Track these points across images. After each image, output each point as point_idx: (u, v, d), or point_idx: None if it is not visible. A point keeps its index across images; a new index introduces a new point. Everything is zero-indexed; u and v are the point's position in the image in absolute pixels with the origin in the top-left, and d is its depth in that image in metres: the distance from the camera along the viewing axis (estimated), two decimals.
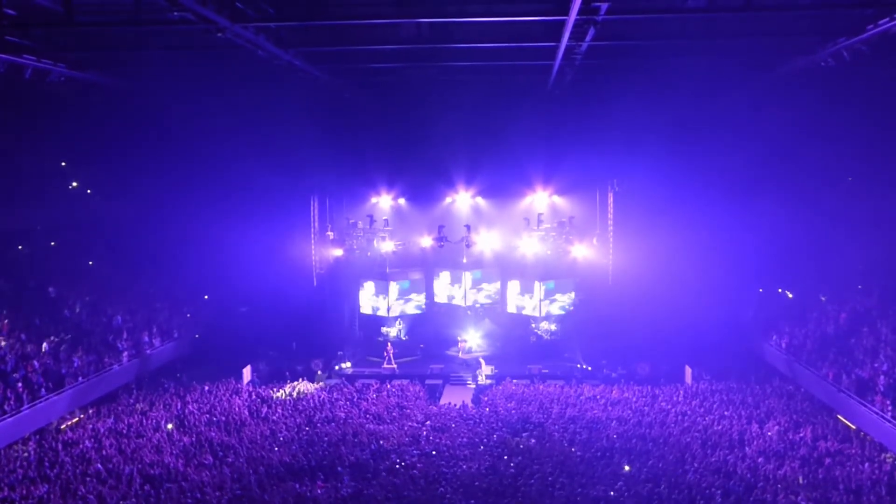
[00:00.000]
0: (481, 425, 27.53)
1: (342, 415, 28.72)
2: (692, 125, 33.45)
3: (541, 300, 38.78)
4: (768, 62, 28.47)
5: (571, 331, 39.32)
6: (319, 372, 36.14)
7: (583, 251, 38.22)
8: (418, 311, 41.01)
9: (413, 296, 40.83)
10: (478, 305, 40.99)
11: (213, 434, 26.23)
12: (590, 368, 36.16)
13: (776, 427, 26.14)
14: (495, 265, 40.79)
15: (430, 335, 40.81)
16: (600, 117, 32.76)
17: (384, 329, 40.32)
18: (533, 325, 39.59)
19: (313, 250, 39.77)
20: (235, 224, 38.10)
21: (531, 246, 38.51)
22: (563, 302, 39.31)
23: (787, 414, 27.78)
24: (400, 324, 40.55)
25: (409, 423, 27.81)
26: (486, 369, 36.15)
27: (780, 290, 38.66)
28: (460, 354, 38.25)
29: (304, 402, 30.62)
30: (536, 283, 38.72)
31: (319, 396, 31.77)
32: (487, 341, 40.38)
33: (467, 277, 40.53)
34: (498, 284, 41.02)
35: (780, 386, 31.61)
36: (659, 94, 29.77)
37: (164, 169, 37.33)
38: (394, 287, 39.88)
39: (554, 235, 38.26)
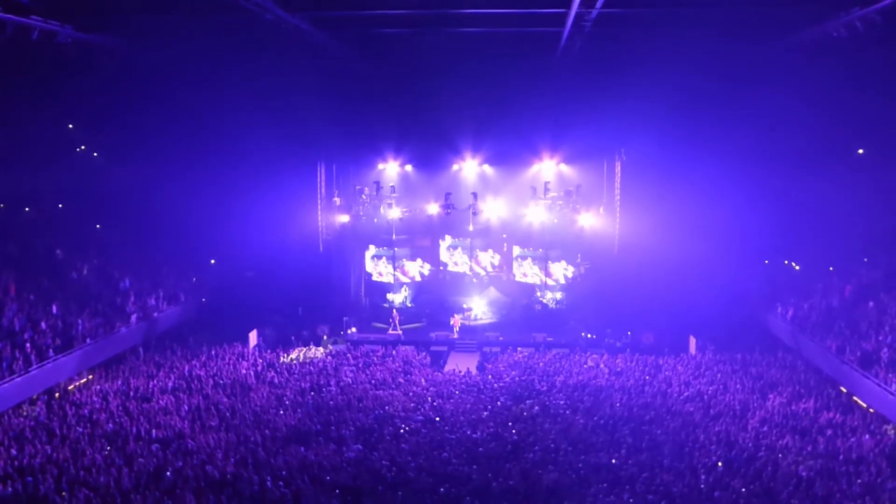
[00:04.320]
0: (485, 392, 27.57)
1: (347, 380, 28.77)
2: (701, 96, 32.93)
3: (546, 268, 38.85)
4: (780, 32, 27.88)
5: (577, 300, 39.36)
6: (325, 337, 36.30)
7: (589, 220, 38.00)
8: (423, 278, 41.17)
9: (419, 262, 41.00)
10: (483, 274, 41.04)
11: (220, 397, 26.35)
12: (594, 337, 36.20)
13: (779, 398, 26.10)
14: (501, 233, 40.73)
15: (436, 302, 40.88)
16: (609, 86, 32.21)
17: (389, 295, 40.38)
18: (538, 294, 39.56)
19: (320, 216, 39.64)
20: (242, 190, 38.12)
21: (538, 214, 38.35)
22: (568, 271, 39.30)
23: (791, 385, 27.73)
24: (406, 290, 40.60)
25: (414, 389, 27.87)
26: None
27: (786, 262, 38.47)
28: (455, 330, 38.07)
29: (309, 367, 30.72)
30: (542, 252, 38.75)
31: (325, 361, 31.90)
32: (492, 309, 40.44)
33: (476, 246, 40.84)
34: (501, 252, 41.10)
35: (783, 357, 31.55)
36: (668, 65, 29.22)
37: (172, 135, 37.12)
38: (400, 254, 40.09)
39: (560, 204, 38.05)
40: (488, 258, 41.18)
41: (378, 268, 40.60)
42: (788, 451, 21.39)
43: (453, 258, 41.34)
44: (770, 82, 32.06)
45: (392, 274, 40.28)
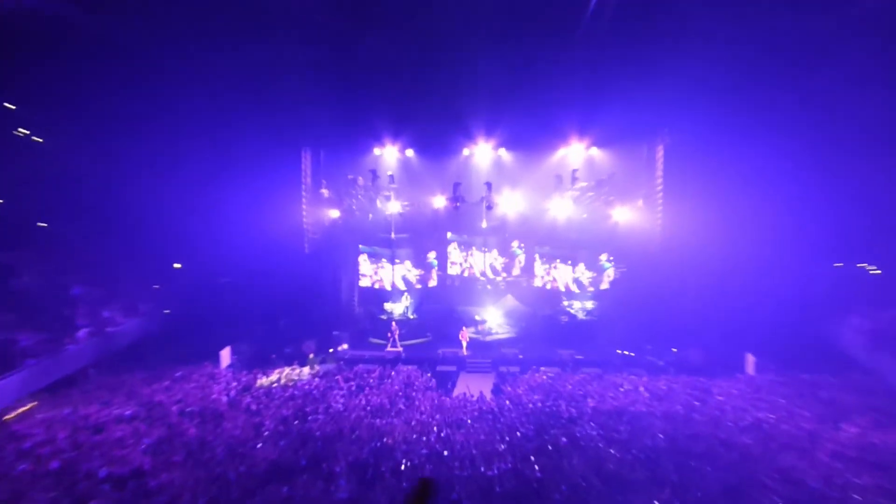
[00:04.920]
0: (502, 420, 27.31)
1: (338, 406, 28.58)
2: (757, 71, 32.72)
3: (574, 272, 38.81)
4: (845, 1, 27.69)
5: (610, 310, 39.16)
6: (312, 355, 36.14)
7: (626, 215, 37.78)
8: (433, 285, 41.30)
9: (432, 261, 41.44)
10: (499, 280, 40.94)
11: (187, 427, 26.15)
12: (632, 355, 36.00)
13: (854, 428, 25.72)
14: (517, 230, 40.64)
15: (443, 313, 40.78)
16: (650, 58, 32.02)
17: (388, 305, 40.27)
18: (565, 303, 39.35)
19: (305, 212, 39.59)
20: (214, 182, 38.01)
21: (564, 208, 38.12)
22: (604, 275, 39.22)
23: (868, 412, 27.34)
24: (407, 299, 40.46)
25: (417, 417, 27.63)
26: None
27: (861, 266, 38.07)
28: (463, 346, 38.06)
29: (293, 391, 30.53)
30: (569, 253, 38.85)
31: (311, 384, 31.70)
32: (510, 321, 40.27)
33: (490, 245, 40.78)
34: (523, 255, 41.06)
35: (859, 379, 31.15)
36: (719, 35, 29.05)
37: (132, 119, 36.87)
38: (401, 255, 40.15)
39: (591, 196, 37.89)
40: (501, 261, 41.20)
41: (374, 272, 40.47)
42: (866, 491, 21.05)
43: (467, 261, 41.30)
44: (835, 58, 31.70)
45: (391, 280, 40.18)
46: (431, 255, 41.51)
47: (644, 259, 38.31)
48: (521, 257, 41.62)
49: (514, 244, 41.58)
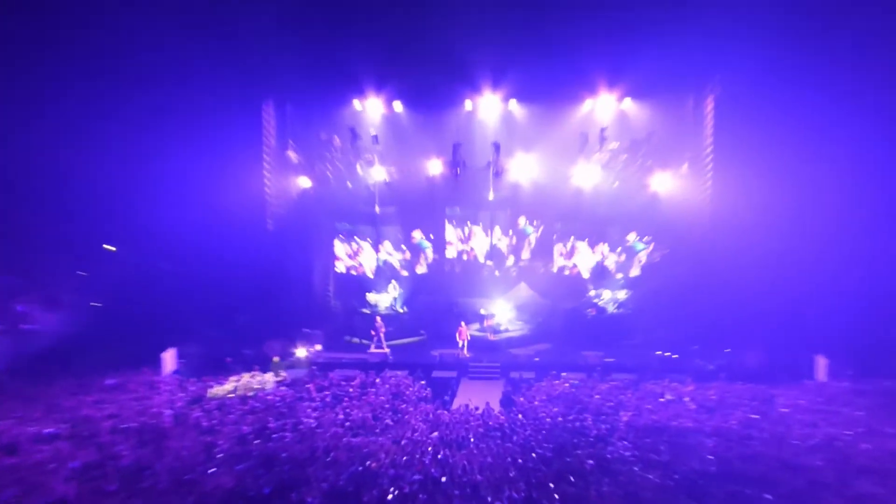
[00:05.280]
0: (514, 439, 27.29)
1: (310, 422, 28.55)
2: (834, 7, 32.60)
3: (603, 256, 38.80)
4: None
5: (648, 301, 39.26)
6: (277, 359, 36.13)
7: (667, 184, 37.73)
8: (421, 271, 41.27)
9: (425, 244, 41.63)
10: (510, 264, 41.02)
11: (121, 448, 26.15)
12: (675, 357, 36.10)
13: None
14: (537, 204, 40.67)
15: (440, 307, 40.91)
16: None
17: (371, 297, 40.32)
18: (592, 293, 39.40)
19: (268, 181, 39.59)
20: (156, 146, 37.60)
21: (590, 176, 38.05)
22: (635, 259, 39.23)
23: None
24: (395, 289, 40.47)
25: (408, 435, 27.63)
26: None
27: None
28: (462, 347, 38.18)
29: (253, 403, 30.49)
30: (597, 232, 38.95)
31: (276, 394, 31.73)
32: (523, 316, 40.33)
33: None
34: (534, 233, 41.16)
35: None
36: None
37: (54, 70, 36.57)
38: (387, 235, 40.25)
39: (624, 160, 37.84)
40: (506, 241, 41.42)
41: (353, 255, 40.50)
42: None
43: (468, 242, 41.36)
44: None
45: (373, 265, 40.21)
46: (418, 235, 41.46)
47: (690, 239, 38.30)
48: (532, 237, 41.64)
49: (522, 220, 41.57)
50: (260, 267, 38.66)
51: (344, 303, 41.24)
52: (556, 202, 40.00)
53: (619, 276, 39.49)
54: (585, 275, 39.76)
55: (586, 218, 39.46)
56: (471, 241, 41.50)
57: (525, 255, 41.71)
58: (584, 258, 39.86)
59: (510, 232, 42.16)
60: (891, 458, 25.38)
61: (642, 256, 39.80)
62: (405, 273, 41.31)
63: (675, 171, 38.02)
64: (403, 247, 42.33)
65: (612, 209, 38.56)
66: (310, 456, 25.47)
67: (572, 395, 31.95)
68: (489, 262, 41.32)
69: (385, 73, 38.54)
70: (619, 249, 40.54)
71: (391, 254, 41.33)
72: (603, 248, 39.84)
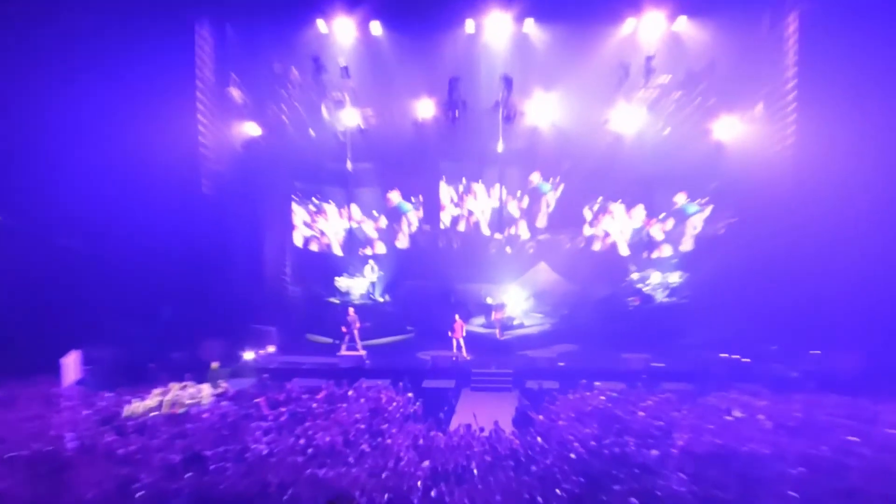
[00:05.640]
0: (532, 470, 27.27)
1: (260, 448, 28.54)
2: None
3: (646, 224, 38.83)
4: None
5: (710, 287, 39.31)
6: (216, 365, 36.15)
7: (734, 130, 37.70)
8: (402, 245, 41.38)
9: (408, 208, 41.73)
10: (525, 237, 41.04)
11: (9, 484, 26.10)
12: (746, 361, 36.15)
13: None
14: (561, 157, 40.78)
15: (433, 294, 41.16)
16: None
17: (342, 282, 40.38)
18: (634, 276, 39.44)
19: (203, 128, 39.33)
20: (51, 82, 37.40)
21: (632, 120, 38.04)
22: (687, 226, 39.23)
23: None
24: (373, 271, 40.47)
25: (392, 466, 27.61)
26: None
27: None
28: (457, 346, 38.33)
29: (185, 424, 30.49)
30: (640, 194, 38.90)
31: (215, 412, 31.70)
32: (543, 306, 40.36)
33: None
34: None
35: None
36: None
37: None
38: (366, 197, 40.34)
39: (678, 99, 37.75)
40: (516, 205, 41.64)
41: (311, 223, 40.48)
42: None
43: (464, 206, 41.40)
44: None
45: (341, 237, 40.20)
46: (395, 196, 41.36)
47: (765, 204, 38.05)
48: (551, 197, 41.54)
49: (536, 176, 41.45)
50: (192, 243, 38.46)
51: (305, 290, 41.26)
52: (586, 155, 39.86)
53: (668, 250, 39.20)
54: (623, 249, 39.56)
55: (625, 176, 39.23)
56: (466, 202, 41.29)
57: (541, 222, 41.54)
58: (619, 225, 39.65)
59: (518, 193, 41.97)
60: None
61: (696, 223, 39.61)
62: (382, 252, 41.07)
63: (744, 114, 37.92)
64: (375, 213, 42.08)
65: (661, 164, 38.42)
66: (259, 493, 25.42)
67: (609, 411, 31.83)
68: (498, 235, 41.12)
69: None
70: (662, 216, 40.29)
71: (361, 221, 41.17)
72: (641, 212, 39.59)
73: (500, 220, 41.63)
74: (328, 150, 39.53)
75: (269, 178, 40.58)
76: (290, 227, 41.21)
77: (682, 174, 38.89)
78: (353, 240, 41.56)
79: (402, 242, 42.03)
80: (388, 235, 42.01)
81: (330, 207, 40.85)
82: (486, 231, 41.32)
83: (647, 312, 39.20)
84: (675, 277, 39.49)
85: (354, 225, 41.61)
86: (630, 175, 39.12)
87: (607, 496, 25.35)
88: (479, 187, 41.57)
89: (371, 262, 40.77)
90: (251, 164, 40.26)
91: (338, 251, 40.43)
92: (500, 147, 39.64)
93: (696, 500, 25.03)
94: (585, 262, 40.89)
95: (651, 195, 40.08)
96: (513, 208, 41.75)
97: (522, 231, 41.86)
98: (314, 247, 41.32)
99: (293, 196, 41.10)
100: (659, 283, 39.48)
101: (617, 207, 40.73)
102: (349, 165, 39.51)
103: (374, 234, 41.59)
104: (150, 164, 37.73)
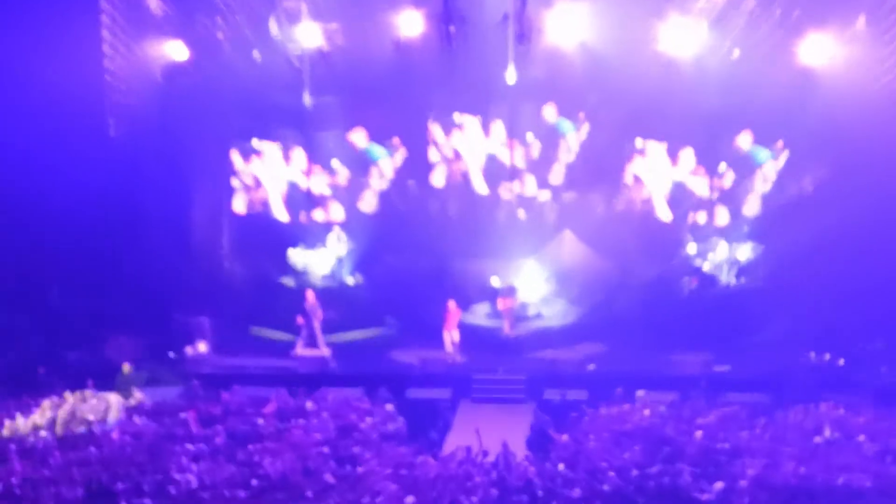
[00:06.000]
0: None
1: (188, 479, 28.39)
2: None
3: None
4: None
5: (789, 267, 39.08)
6: (128, 367, 35.93)
7: (827, 53, 37.37)
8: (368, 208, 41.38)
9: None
10: (545, 198, 40.95)
11: None
12: (841, 363, 35.90)
13: None
14: (590, 89, 40.67)
15: (421, 274, 41.16)
16: None
17: (298, 257, 40.26)
18: (691, 250, 39.29)
19: (108, 51, 39.00)
20: None
21: (689, 39, 37.86)
22: (760, 186, 39.14)
23: None
24: (340, 240, 40.35)
25: (364, 502, 27.46)
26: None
27: None
28: (450, 342, 38.34)
29: (87, 447, 30.33)
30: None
31: (128, 431, 31.58)
32: (567, 291, 40.28)
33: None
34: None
35: None
36: None
37: None
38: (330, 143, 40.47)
39: (751, 12, 37.44)
40: (521, 151, 41.59)
41: (253, 172, 40.42)
42: None
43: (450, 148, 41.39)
44: None
45: (279, 193, 40.13)
46: (360, 138, 41.17)
47: (867, 153, 37.84)
48: (572, 141, 41.28)
49: (550, 113, 41.31)
50: (95, 205, 38.29)
51: (249, 267, 41.04)
52: (625, 87, 39.52)
53: (723, 214, 39.00)
54: (661, 210, 39.33)
55: (678, 115, 38.98)
56: (450, 141, 41.18)
57: (556, 176, 41.25)
58: (658, 175, 39.48)
59: (529, 138, 41.63)
60: None
61: (768, 175, 39.34)
62: (334, 211, 40.89)
63: (841, 32, 37.52)
64: (337, 163, 41.74)
65: (728, 99, 38.10)
66: None
67: (656, 430, 31.71)
68: (508, 194, 40.93)
69: None
70: (723, 167, 39.93)
71: (310, 172, 41.01)
72: (690, 157, 39.33)
73: (498, 170, 41.32)
74: (278, 79, 39.26)
75: (200, 118, 40.22)
76: (229, 183, 40.83)
77: (756, 113, 38.54)
78: (300, 198, 41.13)
79: (369, 204, 41.62)
80: (350, 194, 41.59)
81: (271, 148, 40.36)
82: (478, 186, 41.04)
83: (708, 299, 39.07)
84: (745, 251, 39.22)
85: (300, 177, 41.15)
86: (685, 114, 38.79)
87: None
88: (471, 121, 41.15)
89: (336, 229, 40.49)
90: (175, 99, 40.05)
91: (280, 213, 40.08)
92: (510, 76, 39.41)
93: None
94: (625, 230, 40.67)
95: (711, 140, 39.63)
96: (516, 156, 41.35)
97: (530, 187, 41.49)
98: (238, 203, 40.76)
99: (233, 142, 40.61)
100: (724, 259, 39.24)
101: (655, 148, 40.18)
102: (307, 100, 39.20)
103: (326, 191, 41.10)
104: (35, 98, 37.55)
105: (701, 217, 39.51)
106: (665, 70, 38.53)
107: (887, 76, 37.17)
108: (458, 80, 40.37)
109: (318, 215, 41.43)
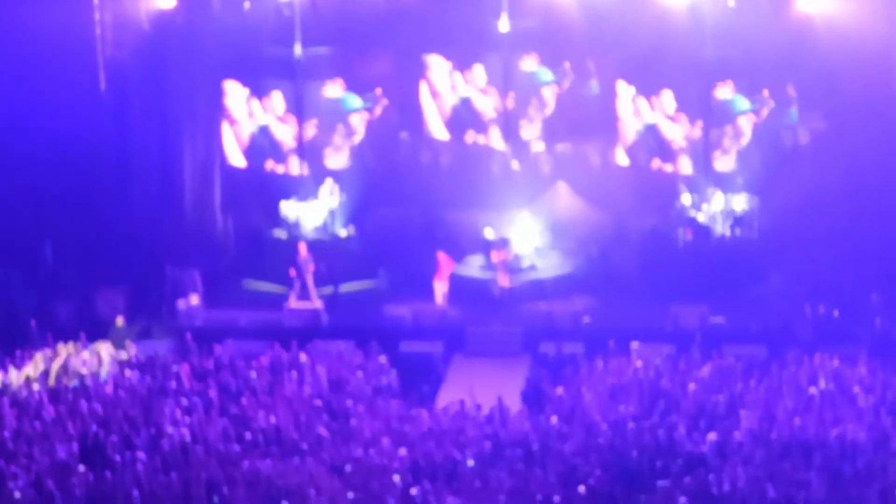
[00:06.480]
0: (547, 462, 27.23)
1: (181, 432, 28.43)
2: None
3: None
4: None
5: (786, 218, 39.10)
6: (121, 321, 36.03)
7: (822, 1, 37.32)
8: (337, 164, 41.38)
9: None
10: (540, 149, 40.93)
11: None
12: (836, 314, 36.03)
13: None
14: (585, 39, 40.57)
15: (413, 226, 41.14)
16: None
17: (290, 208, 40.26)
18: (685, 200, 39.35)
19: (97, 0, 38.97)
20: None
21: None
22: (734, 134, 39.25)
23: None
24: (332, 192, 40.35)
25: (357, 456, 27.51)
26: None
27: None
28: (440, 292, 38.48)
29: (79, 400, 30.45)
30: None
31: (121, 385, 31.65)
32: (562, 244, 40.34)
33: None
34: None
35: None
36: None
37: None
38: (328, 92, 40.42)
39: None
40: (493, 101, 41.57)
41: (258, 135, 40.41)
42: None
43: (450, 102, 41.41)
44: None
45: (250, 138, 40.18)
46: (335, 89, 41.06)
47: (866, 103, 37.84)
48: (548, 93, 41.21)
49: (530, 62, 41.36)
50: (85, 157, 38.25)
51: (241, 219, 41.00)
52: (622, 38, 39.51)
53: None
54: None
55: (674, 64, 39.00)
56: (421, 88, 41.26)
57: (529, 130, 41.25)
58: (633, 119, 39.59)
59: (511, 94, 41.57)
60: None
61: (745, 125, 39.33)
62: (293, 164, 40.90)
63: None
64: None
65: (728, 52, 38.09)
66: (180, 495, 25.27)
67: (651, 383, 31.83)
68: (500, 145, 40.95)
69: None
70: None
71: (277, 120, 40.98)
72: (666, 97, 39.31)
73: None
74: (267, 29, 39.18)
75: (188, 69, 40.13)
76: (219, 134, 40.75)
77: (753, 62, 38.50)
78: (261, 148, 41.04)
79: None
80: (314, 147, 41.51)
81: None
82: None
83: (704, 251, 39.06)
84: (741, 202, 39.23)
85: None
86: (679, 63, 38.76)
87: (648, 496, 25.25)
88: (440, 63, 41.12)
89: (329, 180, 40.45)
90: (163, 51, 39.90)
91: (237, 159, 40.09)
92: (503, 25, 39.41)
93: (766, 501, 24.87)
94: (621, 182, 40.67)
95: (706, 89, 39.58)
96: (485, 104, 41.28)
97: (495, 140, 41.41)
98: (231, 150, 40.76)
99: (224, 90, 40.54)
100: (721, 210, 39.25)
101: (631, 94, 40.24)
102: (298, 51, 39.13)
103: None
104: (24, 51, 37.46)
105: (690, 167, 39.44)
106: (660, 19, 38.53)
107: (886, 24, 37.18)
108: (451, 28, 40.34)
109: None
